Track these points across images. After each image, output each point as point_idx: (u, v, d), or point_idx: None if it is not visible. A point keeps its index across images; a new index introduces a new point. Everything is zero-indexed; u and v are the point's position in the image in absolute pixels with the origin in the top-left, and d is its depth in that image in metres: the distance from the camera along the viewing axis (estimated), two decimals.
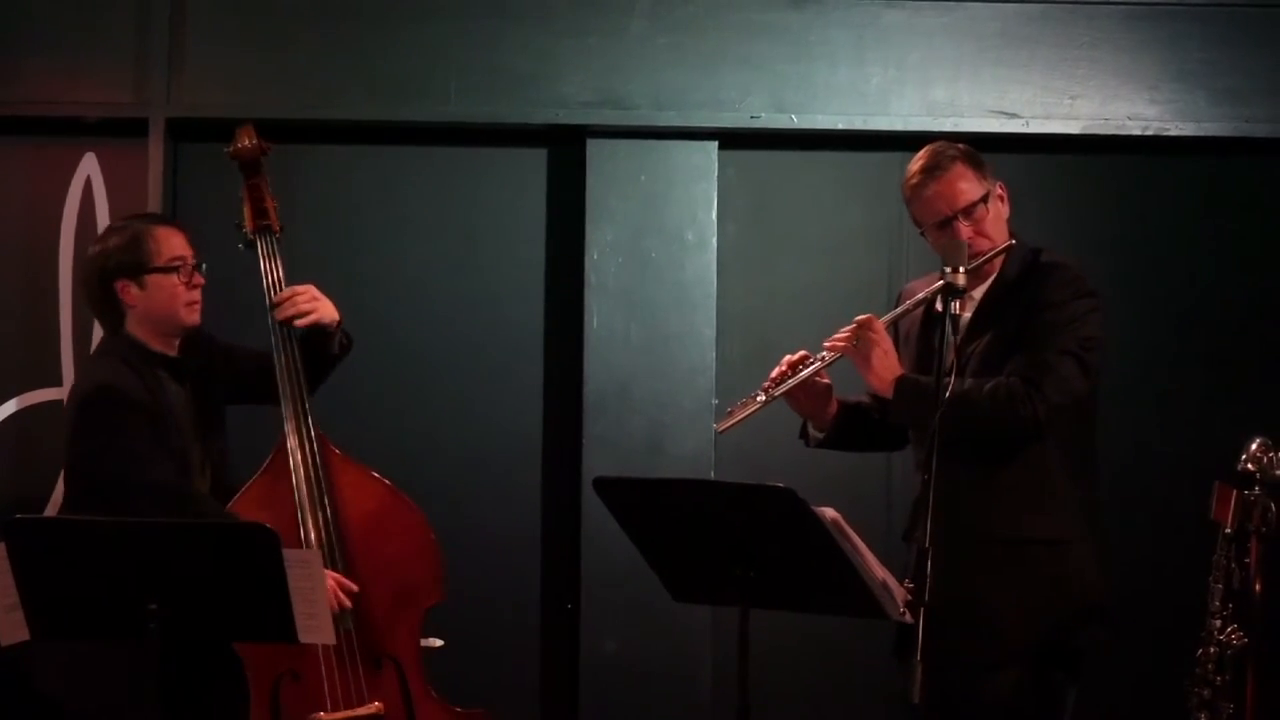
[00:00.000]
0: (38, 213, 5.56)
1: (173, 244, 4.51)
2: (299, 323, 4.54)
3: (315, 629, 3.90)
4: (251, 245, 4.63)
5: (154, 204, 5.41)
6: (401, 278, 5.65)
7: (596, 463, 5.44)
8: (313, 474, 4.44)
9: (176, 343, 4.55)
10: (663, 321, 5.58)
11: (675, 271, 5.60)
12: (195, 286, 4.52)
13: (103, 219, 5.53)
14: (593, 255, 5.59)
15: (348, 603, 4.36)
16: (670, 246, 5.59)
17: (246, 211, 4.63)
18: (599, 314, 5.57)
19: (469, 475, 5.58)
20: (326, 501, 4.43)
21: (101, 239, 4.61)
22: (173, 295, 4.49)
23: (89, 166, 5.56)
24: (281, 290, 4.57)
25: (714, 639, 5.45)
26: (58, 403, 5.53)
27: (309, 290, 4.57)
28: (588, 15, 5.58)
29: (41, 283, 5.56)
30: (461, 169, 5.69)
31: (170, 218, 4.62)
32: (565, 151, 5.66)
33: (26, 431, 5.54)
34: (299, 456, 4.44)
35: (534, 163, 5.71)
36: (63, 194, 5.55)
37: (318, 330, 4.59)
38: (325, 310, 4.58)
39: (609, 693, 5.50)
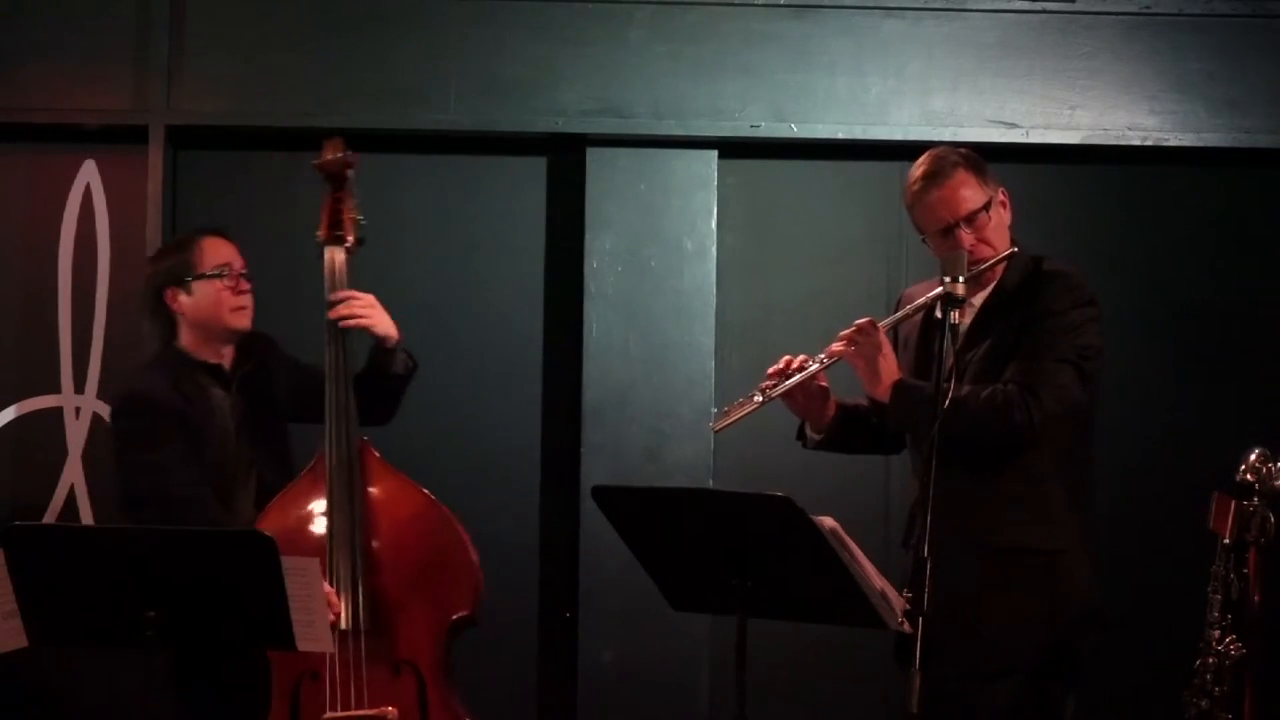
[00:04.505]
0: (37, 220, 5.57)
1: (218, 251, 4.56)
2: (347, 324, 4.52)
3: (313, 636, 3.90)
4: (321, 255, 4.62)
5: (153, 211, 5.41)
6: (401, 285, 5.62)
7: (595, 471, 5.44)
8: (345, 477, 4.44)
9: (228, 350, 4.59)
10: (662, 330, 5.58)
11: (674, 280, 5.60)
12: (241, 292, 4.55)
13: (102, 226, 5.54)
14: (592, 264, 5.59)
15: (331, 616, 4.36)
16: (669, 255, 5.59)
17: (323, 219, 4.61)
18: (598, 323, 5.57)
19: (468, 483, 5.56)
20: (355, 504, 4.43)
21: (155, 254, 4.68)
22: (218, 301, 4.53)
23: (89, 174, 5.56)
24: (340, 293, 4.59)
25: (712, 648, 5.44)
26: (57, 410, 5.53)
27: (368, 298, 4.57)
28: (588, 24, 5.59)
29: (41, 290, 5.56)
30: (461, 177, 5.69)
31: (222, 228, 4.65)
32: (565, 160, 5.67)
33: (25, 439, 5.55)
34: (335, 459, 4.45)
35: (533, 171, 5.71)
36: (62, 201, 5.56)
37: (378, 348, 4.60)
38: (381, 321, 4.57)
39: (607, 701, 5.50)
